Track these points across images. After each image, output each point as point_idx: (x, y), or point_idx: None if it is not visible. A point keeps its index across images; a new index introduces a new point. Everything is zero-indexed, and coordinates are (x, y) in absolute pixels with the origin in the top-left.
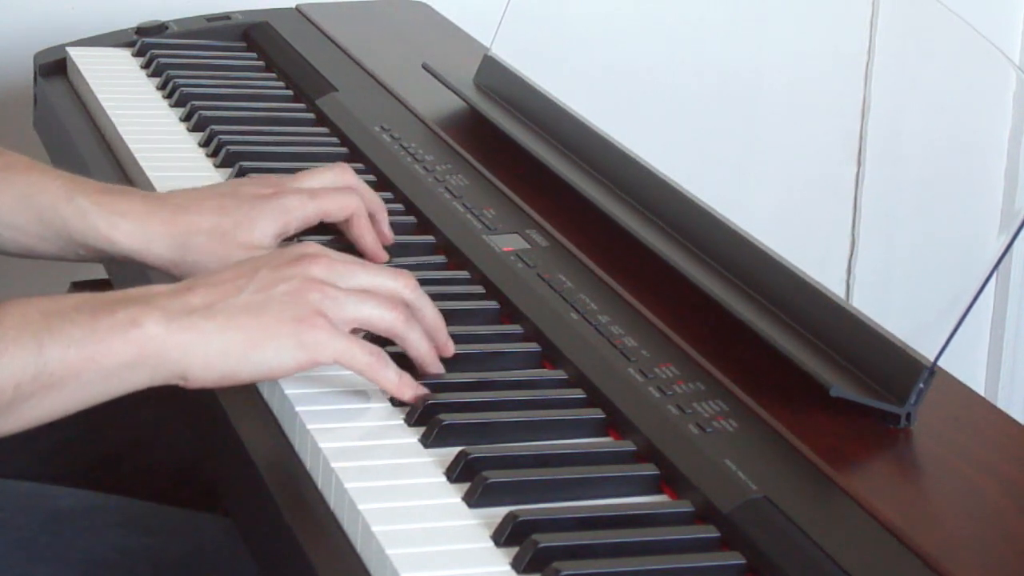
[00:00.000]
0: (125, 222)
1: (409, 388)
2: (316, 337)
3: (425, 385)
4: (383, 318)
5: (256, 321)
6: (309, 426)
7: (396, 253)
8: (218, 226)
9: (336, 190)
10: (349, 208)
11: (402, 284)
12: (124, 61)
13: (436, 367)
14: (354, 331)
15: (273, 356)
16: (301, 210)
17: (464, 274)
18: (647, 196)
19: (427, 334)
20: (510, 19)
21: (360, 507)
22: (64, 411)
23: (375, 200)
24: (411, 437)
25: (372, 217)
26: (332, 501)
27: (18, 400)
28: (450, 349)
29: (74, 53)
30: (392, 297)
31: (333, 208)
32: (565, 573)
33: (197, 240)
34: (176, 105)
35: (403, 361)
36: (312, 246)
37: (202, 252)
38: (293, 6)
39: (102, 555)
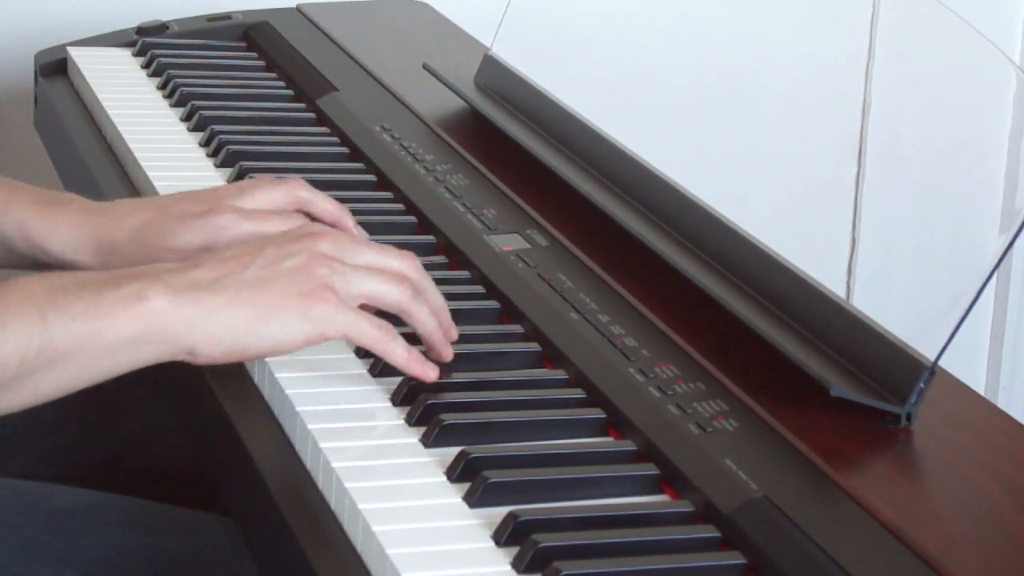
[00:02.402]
0: (57, 233)
1: (418, 363)
2: (324, 311)
3: (424, 386)
4: (390, 293)
5: (263, 295)
6: (310, 426)
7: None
8: (140, 236)
9: (277, 214)
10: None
11: (407, 265)
12: (125, 61)
13: (445, 347)
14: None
15: (279, 330)
16: (233, 230)
17: (464, 274)
18: (647, 196)
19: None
20: (510, 19)
21: (361, 507)
22: (70, 387)
23: (333, 211)
24: (412, 437)
25: (336, 226)
26: (333, 501)
27: (23, 374)
28: (454, 334)
29: (75, 53)
30: (398, 274)
31: (268, 231)
32: (565, 573)
33: (122, 250)
34: (177, 105)
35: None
36: (318, 225)
37: (126, 260)
38: (293, 6)
39: (103, 554)
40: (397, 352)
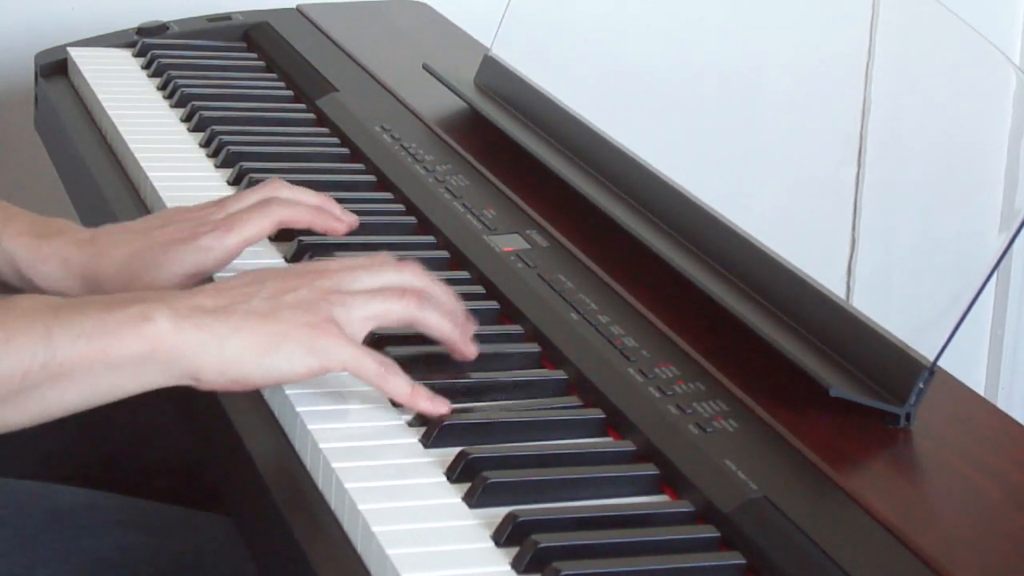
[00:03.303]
0: (45, 267)
1: (424, 399)
2: (327, 342)
3: (425, 386)
4: (393, 309)
5: (268, 325)
6: (309, 426)
7: (397, 254)
8: (127, 267)
9: (253, 209)
10: (269, 225)
11: (409, 276)
12: (125, 61)
13: (467, 345)
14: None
15: (284, 361)
16: (218, 250)
17: (464, 274)
18: (647, 196)
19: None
20: (510, 19)
21: (360, 507)
22: (73, 406)
23: (315, 202)
24: (411, 437)
25: (320, 212)
26: (332, 501)
27: (26, 389)
28: (470, 329)
29: (75, 53)
30: (399, 288)
31: (251, 233)
32: (565, 573)
33: (108, 284)
34: (177, 105)
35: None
36: (314, 262)
37: (112, 292)
38: (293, 6)
39: (103, 554)
40: (399, 387)
